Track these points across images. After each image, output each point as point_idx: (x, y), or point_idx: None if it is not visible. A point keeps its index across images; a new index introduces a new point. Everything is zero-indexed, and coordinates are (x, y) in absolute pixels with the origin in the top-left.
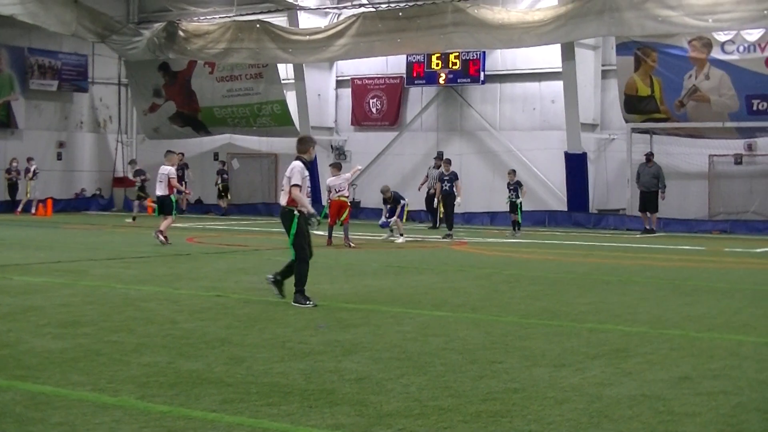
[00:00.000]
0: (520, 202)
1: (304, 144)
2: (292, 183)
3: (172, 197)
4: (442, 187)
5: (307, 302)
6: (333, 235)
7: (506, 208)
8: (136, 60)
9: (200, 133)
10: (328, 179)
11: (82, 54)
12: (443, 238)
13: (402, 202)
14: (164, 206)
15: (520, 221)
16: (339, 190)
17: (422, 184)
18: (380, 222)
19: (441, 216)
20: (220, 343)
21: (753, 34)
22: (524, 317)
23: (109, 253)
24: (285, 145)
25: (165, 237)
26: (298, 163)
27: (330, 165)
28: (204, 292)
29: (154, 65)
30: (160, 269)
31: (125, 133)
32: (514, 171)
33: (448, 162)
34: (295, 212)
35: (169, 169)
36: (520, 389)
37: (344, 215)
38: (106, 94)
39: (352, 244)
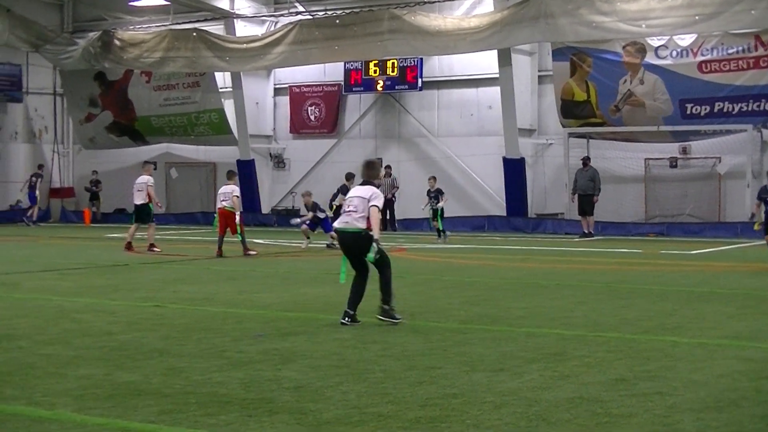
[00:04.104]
0: (442, 209)
1: (375, 169)
2: (374, 204)
3: (150, 205)
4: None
5: (400, 317)
6: (237, 245)
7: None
8: (71, 69)
9: (137, 142)
10: (221, 187)
11: (16, 64)
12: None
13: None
14: (142, 214)
15: (441, 227)
16: (224, 200)
17: None
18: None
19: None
20: (158, 353)
21: (685, 39)
22: (462, 323)
23: (45, 264)
24: (223, 153)
25: (154, 246)
26: (377, 190)
27: (228, 172)
28: (141, 303)
29: (89, 75)
30: (97, 280)
31: (61, 144)
32: (434, 178)
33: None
34: (372, 236)
35: (147, 179)
36: (459, 394)
37: (233, 226)
38: (40, 104)
39: (252, 252)
